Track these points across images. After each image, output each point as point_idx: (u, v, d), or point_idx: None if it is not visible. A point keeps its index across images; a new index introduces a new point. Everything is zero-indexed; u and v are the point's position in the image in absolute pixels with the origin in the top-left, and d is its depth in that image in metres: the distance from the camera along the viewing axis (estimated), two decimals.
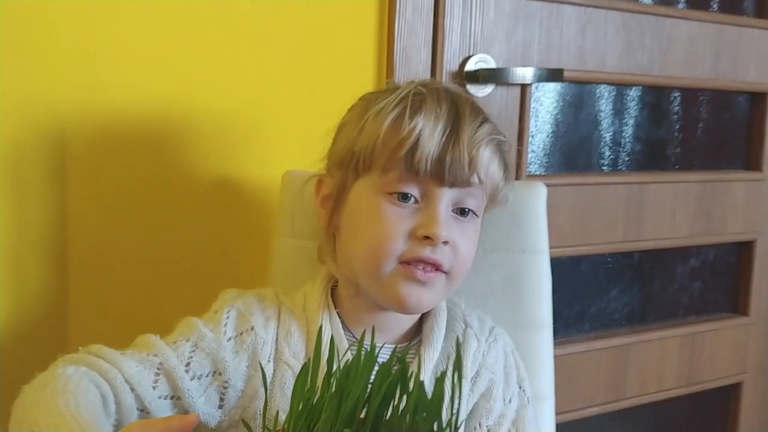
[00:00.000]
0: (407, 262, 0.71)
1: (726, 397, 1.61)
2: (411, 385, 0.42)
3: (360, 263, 0.74)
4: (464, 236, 0.75)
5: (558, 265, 0.94)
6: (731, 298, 1.59)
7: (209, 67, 0.99)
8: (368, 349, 0.43)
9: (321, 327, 0.74)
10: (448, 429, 0.39)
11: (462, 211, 0.75)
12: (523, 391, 0.81)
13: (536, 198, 0.95)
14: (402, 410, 0.41)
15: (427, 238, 0.71)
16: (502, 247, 0.93)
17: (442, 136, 0.71)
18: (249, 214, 1.05)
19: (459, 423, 0.41)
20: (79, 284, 0.95)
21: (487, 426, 0.76)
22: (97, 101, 0.94)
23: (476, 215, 0.76)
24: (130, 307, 0.99)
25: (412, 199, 0.72)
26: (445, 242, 0.72)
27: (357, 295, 0.77)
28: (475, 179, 0.73)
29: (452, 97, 0.75)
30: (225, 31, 1.00)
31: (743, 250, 1.58)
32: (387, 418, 0.40)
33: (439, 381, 0.40)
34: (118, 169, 0.96)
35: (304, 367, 0.42)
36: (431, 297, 0.74)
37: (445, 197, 0.73)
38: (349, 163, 0.75)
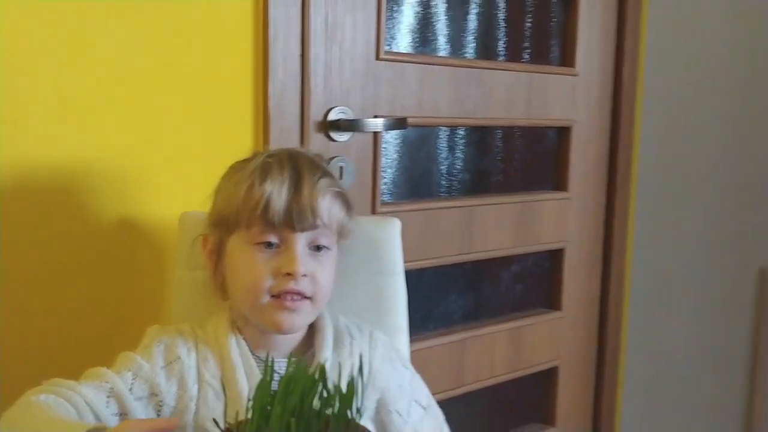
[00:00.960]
0: (277, 295, 0.93)
1: (545, 380, 1.93)
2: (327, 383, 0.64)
3: (242, 300, 0.96)
4: (321, 267, 0.96)
5: (407, 277, 1.20)
6: (547, 297, 1.91)
7: (109, 126, 1.17)
8: (270, 363, 0.65)
9: (230, 351, 0.95)
10: (358, 414, 0.63)
11: (317, 248, 0.96)
12: (407, 368, 1.06)
13: (392, 230, 1.20)
14: (324, 402, 0.64)
15: (288, 274, 0.93)
16: (366, 270, 1.17)
17: (287, 194, 0.93)
18: (149, 252, 1.23)
19: (362, 409, 0.65)
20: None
21: (396, 410, 0.99)
22: (7, 159, 1.09)
23: (329, 249, 0.98)
24: (46, 349, 1.14)
25: (274, 246, 0.94)
26: (305, 275, 0.94)
27: (248, 324, 0.98)
28: (320, 222, 0.95)
29: (294, 162, 0.97)
30: (123, 93, 1.18)
31: (555, 257, 1.90)
32: (316, 408, 0.63)
33: (351, 380, 0.64)
34: (31, 218, 1.12)
35: (263, 381, 0.64)
36: (301, 319, 0.96)
37: (300, 240, 0.94)
38: (222, 224, 0.97)
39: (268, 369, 0.66)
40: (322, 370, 0.65)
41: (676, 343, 2.05)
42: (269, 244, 0.94)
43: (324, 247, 0.97)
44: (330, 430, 0.64)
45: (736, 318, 2.03)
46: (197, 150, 1.26)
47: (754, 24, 1.95)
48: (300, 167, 0.96)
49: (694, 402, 2.06)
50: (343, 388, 0.66)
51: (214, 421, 0.73)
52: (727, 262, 2.01)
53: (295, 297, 0.94)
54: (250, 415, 0.64)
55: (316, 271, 0.95)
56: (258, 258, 0.93)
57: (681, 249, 2.02)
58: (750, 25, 1.95)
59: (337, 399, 0.63)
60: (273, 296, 0.93)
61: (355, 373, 0.68)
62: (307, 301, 0.95)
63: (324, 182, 0.97)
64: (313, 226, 0.95)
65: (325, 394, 0.64)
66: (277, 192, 0.93)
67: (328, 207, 0.96)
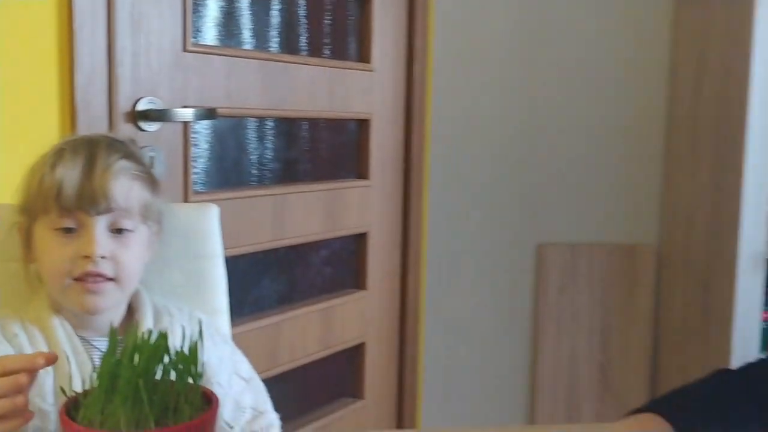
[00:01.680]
0: (79, 278, 0.96)
1: (354, 355, 2.05)
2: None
3: (50, 285, 0.99)
4: (124, 249, 0.99)
5: None
6: (353, 278, 2.04)
7: None
8: (113, 333, 0.70)
9: (54, 329, 0.97)
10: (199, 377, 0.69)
11: (119, 230, 0.99)
12: (227, 343, 1.11)
13: (210, 216, 1.25)
14: (168, 367, 0.69)
15: (86, 257, 0.95)
16: (186, 255, 1.21)
17: (79, 178, 0.96)
18: None
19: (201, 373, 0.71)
20: None
21: (217, 381, 1.04)
22: None
23: (133, 231, 1.00)
24: None
25: (74, 230, 0.96)
26: (103, 257, 0.97)
27: (64, 307, 1.01)
28: (115, 205, 0.97)
29: (90, 146, 0.99)
30: None
31: (360, 240, 2.02)
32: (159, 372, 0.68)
33: (194, 344, 0.70)
34: None
35: (109, 349, 0.68)
36: (105, 300, 0.98)
37: (98, 223, 0.97)
38: (26, 212, 1.00)
39: (112, 336, 0.71)
40: (164, 336, 0.71)
41: (467, 315, 2.25)
42: (68, 229, 0.96)
43: (126, 229, 1.00)
44: (175, 392, 0.69)
45: (519, 291, 2.26)
46: (4, 143, 1.24)
47: (534, 23, 2.18)
48: (95, 151, 0.98)
49: (486, 366, 2.27)
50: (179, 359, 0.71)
51: (61, 388, 0.76)
52: (508, 240, 2.24)
53: (97, 279, 0.96)
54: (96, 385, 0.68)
55: (117, 253, 0.98)
56: (58, 243, 0.96)
57: (469, 229, 2.22)
58: (530, 24, 2.18)
59: (179, 363, 0.69)
60: (75, 279, 0.96)
61: (195, 337, 0.74)
62: (111, 283, 0.98)
63: (120, 164, 0.99)
64: (108, 209, 0.97)
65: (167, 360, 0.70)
66: (69, 177, 0.95)
67: (125, 189, 0.99)
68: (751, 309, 1.98)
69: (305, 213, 1.81)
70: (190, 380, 0.70)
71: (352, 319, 1.99)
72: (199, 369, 0.70)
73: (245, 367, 1.15)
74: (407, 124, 2.06)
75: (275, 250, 1.79)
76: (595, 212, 2.26)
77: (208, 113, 1.52)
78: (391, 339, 2.13)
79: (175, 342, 1.03)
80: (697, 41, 2.12)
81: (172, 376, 0.70)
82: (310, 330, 1.87)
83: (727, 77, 2.00)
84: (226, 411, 1.08)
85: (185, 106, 1.50)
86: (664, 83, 2.22)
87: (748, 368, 0.91)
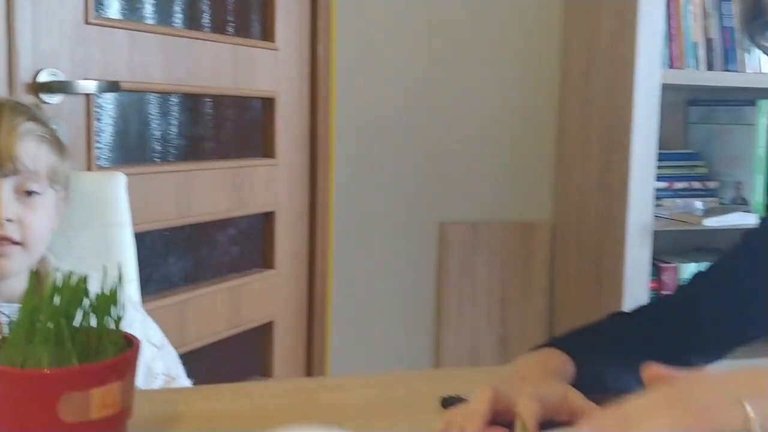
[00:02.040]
0: None
1: (263, 334, 2.06)
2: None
3: None
4: (32, 212, 0.99)
5: None
6: (262, 257, 2.05)
7: None
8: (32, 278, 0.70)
9: None
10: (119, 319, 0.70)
11: (28, 193, 0.99)
12: (138, 311, 1.11)
13: (117, 184, 1.25)
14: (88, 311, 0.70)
15: None
16: (94, 223, 1.21)
17: None
18: None
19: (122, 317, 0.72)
20: None
21: None
22: None
23: (41, 194, 1.00)
24: None
25: None
26: (10, 220, 0.96)
27: None
28: (22, 167, 0.97)
29: None
30: None
31: (267, 220, 2.04)
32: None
33: (114, 287, 0.71)
34: None
35: (29, 290, 0.69)
36: (11, 264, 0.98)
37: (5, 185, 0.96)
38: None
39: (32, 278, 0.71)
40: (84, 279, 0.71)
41: (374, 293, 2.29)
42: None
43: (34, 192, 0.99)
44: (96, 334, 0.70)
45: (422, 268, 2.32)
46: None
47: (434, 7, 2.23)
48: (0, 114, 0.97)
49: (392, 342, 2.32)
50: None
51: None
52: (412, 219, 2.29)
53: (3, 242, 0.96)
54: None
55: (24, 216, 0.97)
56: None
57: (374, 207, 2.26)
58: (430, 7, 2.23)
59: (100, 305, 0.70)
60: None
61: (114, 282, 0.75)
62: (17, 247, 0.97)
63: (26, 126, 0.98)
64: (15, 171, 0.97)
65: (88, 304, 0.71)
66: None
67: (32, 151, 0.98)
68: (639, 279, 2.10)
69: (211, 190, 1.81)
70: (112, 323, 0.71)
71: (260, 298, 2.00)
72: (119, 312, 0.71)
73: (156, 333, 1.16)
74: (312, 103, 2.09)
75: (181, 228, 1.78)
76: (494, 192, 2.35)
77: (111, 86, 1.51)
78: (300, 318, 2.15)
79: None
80: (587, 25, 2.23)
81: (93, 321, 0.71)
82: (218, 309, 1.87)
83: (615, 61, 2.11)
84: (138, 377, 1.08)
85: (87, 79, 1.48)
86: (556, 67, 2.33)
87: (640, 309, 0.98)
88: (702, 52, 2.11)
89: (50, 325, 0.67)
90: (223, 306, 1.88)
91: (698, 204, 2.24)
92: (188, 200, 1.75)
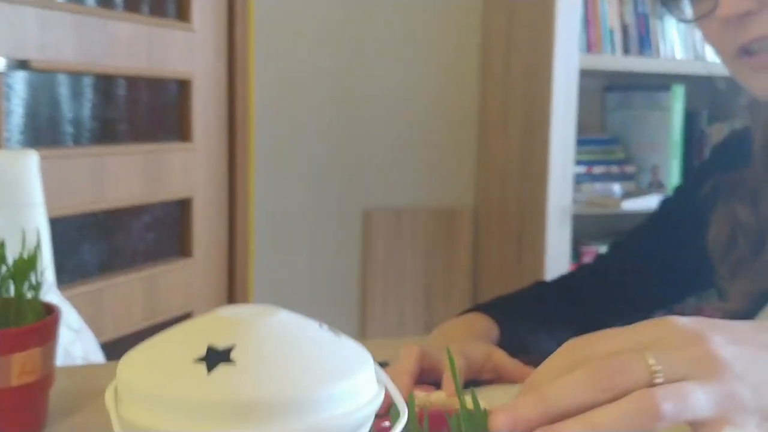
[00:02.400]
0: None
1: None
2: None
3: None
4: None
5: None
6: (179, 244, 1.98)
7: None
8: None
9: None
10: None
11: None
12: (54, 293, 1.05)
13: (28, 162, 1.17)
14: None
15: None
16: (5, 202, 1.13)
17: None
18: None
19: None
20: None
21: None
22: None
23: None
24: None
25: None
26: None
27: None
28: None
29: None
30: None
31: (184, 206, 1.97)
32: None
33: (34, 252, 0.66)
34: None
35: None
36: None
37: None
38: None
39: None
40: (2, 245, 0.66)
41: (297, 281, 2.25)
42: None
43: None
44: (14, 301, 0.65)
45: (347, 255, 2.29)
46: None
47: None
48: None
49: None
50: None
51: None
52: (336, 206, 2.26)
53: None
54: None
55: None
56: None
57: (297, 193, 2.22)
58: None
59: (18, 271, 0.65)
60: None
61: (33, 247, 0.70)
62: None
63: None
64: None
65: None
66: None
67: None
68: (560, 261, 2.13)
69: (126, 175, 1.74)
70: (30, 291, 0.67)
71: (178, 288, 1.94)
72: (39, 278, 0.66)
73: (74, 317, 1.10)
74: (230, 86, 2.03)
75: (95, 214, 1.71)
76: (417, 179, 2.34)
77: (20, 64, 1.43)
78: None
79: None
80: (507, 12, 2.25)
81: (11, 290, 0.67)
82: (135, 299, 1.80)
83: (534, 47, 2.13)
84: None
85: None
86: (476, 54, 2.34)
87: (561, 278, 1.03)
88: (618, 38, 2.15)
89: None
90: (139, 296, 1.81)
91: (616, 188, 2.28)
92: (102, 185, 1.67)
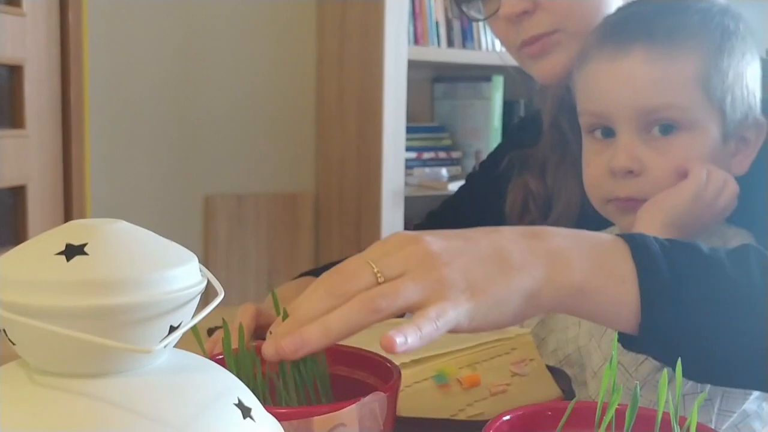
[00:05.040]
0: None
1: None
2: None
3: None
4: None
5: None
6: (12, 234, 1.94)
7: None
8: None
9: None
10: None
11: None
12: None
13: None
14: None
15: None
16: None
17: None
18: None
19: None
20: None
21: None
22: None
23: None
24: None
25: None
26: None
27: None
28: None
29: None
30: None
31: (17, 194, 1.93)
32: None
33: None
34: None
35: None
36: None
37: None
38: None
39: None
40: None
41: None
42: None
43: None
44: None
45: (188, 241, 2.31)
46: None
47: None
48: None
49: None
50: None
51: None
52: (177, 191, 2.28)
53: None
54: None
55: None
56: None
57: (135, 179, 2.22)
58: None
59: None
60: None
61: None
62: None
63: None
64: None
65: None
66: None
67: None
68: None
69: None
70: None
71: None
72: None
73: None
74: (63, 71, 2.00)
75: None
76: (258, 165, 2.40)
77: None
78: None
79: None
80: (340, 4, 2.35)
81: None
82: None
83: (366, 38, 2.24)
84: None
85: None
86: (313, 42, 2.42)
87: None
88: (443, 31, 2.30)
89: None
90: None
91: (444, 172, 2.44)
92: None
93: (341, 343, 0.53)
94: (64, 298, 0.28)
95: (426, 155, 2.46)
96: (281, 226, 2.44)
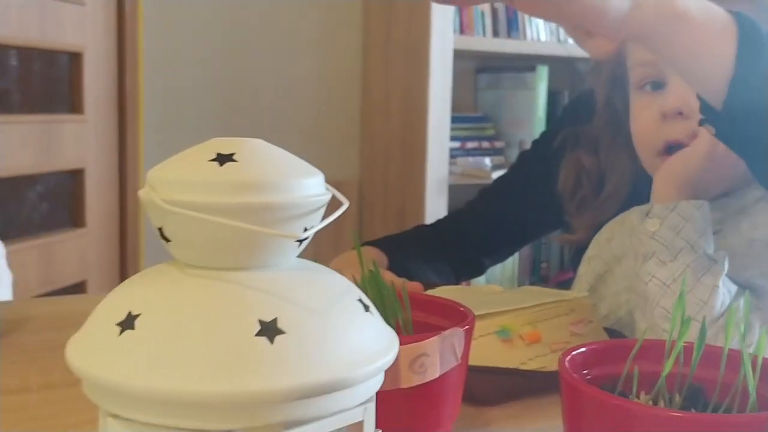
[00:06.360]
0: None
1: (75, 293, 2.03)
2: None
3: None
4: None
5: None
6: (72, 215, 2.01)
7: None
8: None
9: None
10: None
11: None
12: None
13: None
14: None
15: None
16: None
17: None
18: None
19: None
20: None
21: None
22: None
23: None
24: None
25: None
26: None
27: None
28: None
29: None
30: None
31: (76, 177, 2.00)
32: None
33: None
34: None
35: None
36: None
37: None
38: None
39: None
40: None
41: None
42: None
43: None
44: None
45: None
46: None
47: None
48: None
49: None
50: None
51: None
52: None
53: None
54: None
55: None
56: None
57: None
58: None
59: None
60: None
61: None
62: None
63: None
64: None
65: None
66: None
67: None
68: None
69: (18, 146, 1.76)
70: None
71: (71, 257, 1.97)
72: None
73: None
74: (120, 60, 2.07)
75: None
76: (304, 153, 2.43)
77: None
78: (113, 277, 2.14)
79: None
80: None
81: None
82: (29, 267, 1.82)
83: (412, 27, 2.28)
84: None
85: None
86: (359, 32, 2.46)
87: (438, 220, 1.18)
88: (489, 20, 2.33)
89: None
90: (33, 264, 1.84)
91: (487, 161, 2.47)
92: None
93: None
94: (219, 195, 0.32)
95: (469, 145, 2.49)
96: (325, 213, 2.48)
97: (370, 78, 2.47)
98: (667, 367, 0.46)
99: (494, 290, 0.89)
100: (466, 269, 1.16)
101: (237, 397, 0.30)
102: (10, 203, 1.83)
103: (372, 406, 0.35)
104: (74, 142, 1.94)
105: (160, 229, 0.35)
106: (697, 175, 0.75)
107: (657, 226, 0.72)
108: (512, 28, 2.37)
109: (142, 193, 0.35)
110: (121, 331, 0.32)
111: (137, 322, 0.32)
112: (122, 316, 0.33)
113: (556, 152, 1.06)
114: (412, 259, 1.03)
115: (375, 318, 0.36)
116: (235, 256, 0.34)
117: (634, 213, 0.77)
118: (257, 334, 0.31)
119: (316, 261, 0.39)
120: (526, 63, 2.48)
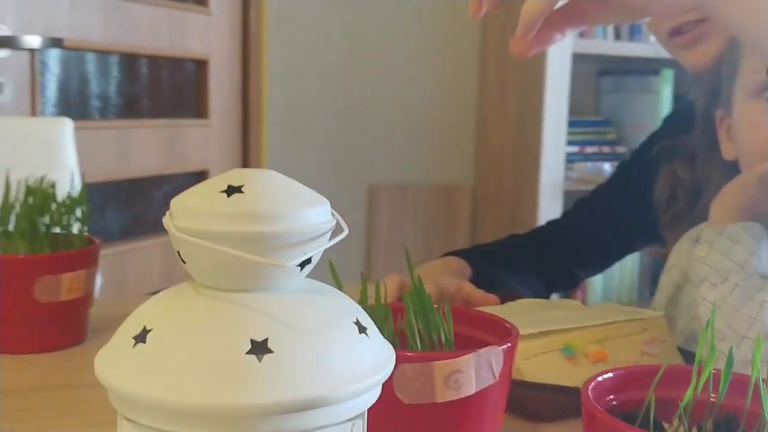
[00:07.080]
0: None
1: None
2: None
3: None
4: None
5: None
6: None
7: None
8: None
9: None
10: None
11: None
12: None
13: (64, 128, 1.33)
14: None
15: None
16: (41, 165, 1.28)
17: None
18: None
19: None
20: None
21: None
22: None
23: None
24: None
25: None
26: None
27: None
28: None
29: None
30: None
31: (201, 179, 2.11)
32: None
33: (81, 192, 0.81)
34: None
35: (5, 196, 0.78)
36: None
37: None
38: None
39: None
40: (53, 184, 0.81)
41: None
42: None
43: None
44: (62, 235, 0.80)
45: (352, 228, 2.43)
46: None
47: None
48: None
49: None
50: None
51: None
52: (342, 179, 2.41)
53: None
54: None
55: None
56: None
57: (305, 167, 2.36)
58: None
59: (67, 207, 0.80)
60: None
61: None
62: None
63: None
64: None
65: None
66: None
67: None
68: None
69: (147, 148, 1.88)
70: (77, 223, 0.81)
71: None
72: (85, 212, 0.81)
73: None
74: (244, 66, 2.17)
75: (119, 183, 1.85)
76: (421, 157, 2.48)
77: (55, 42, 1.57)
78: None
79: None
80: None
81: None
82: (154, 263, 1.95)
83: None
84: None
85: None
86: (476, 36, 2.47)
87: (531, 231, 1.17)
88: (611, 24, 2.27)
89: (25, 220, 0.77)
90: (159, 260, 1.96)
91: (606, 166, 2.41)
92: (126, 156, 1.82)
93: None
94: (225, 224, 0.35)
95: (589, 149, 2.45)
96: (439, 216, 2.50)
97: (487, 81, 2.47)
98: (688, 395, 0.46)
99: (574, 306, 0.89)
100: (560, 281, 1.14)
101: (227, 410, 0.34)
102: (138, 203, 1.96)
103: (360, 422, 0.37)
104: (199, 145, 2.06)
105: (178, 252, 0.39)
106: (754, 199, 0.73)
107: (706, 251, 0.71)
108: (635, 30, 2.30)
109: (164, 220, 0.39)
110: (135, 344, 0.36)
111: (149, 337, 0.36)
112: (138, 330, 0.37)
113: (654, 163, 1.04)
114: (499, 270, 1.03)
115: (371, 338, 0.38)
116: (237, 279, 0.37)
117: (686, 239, 0.75)
118: (247, 353, 0.34)
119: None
120: (650, 66, 2.40)
